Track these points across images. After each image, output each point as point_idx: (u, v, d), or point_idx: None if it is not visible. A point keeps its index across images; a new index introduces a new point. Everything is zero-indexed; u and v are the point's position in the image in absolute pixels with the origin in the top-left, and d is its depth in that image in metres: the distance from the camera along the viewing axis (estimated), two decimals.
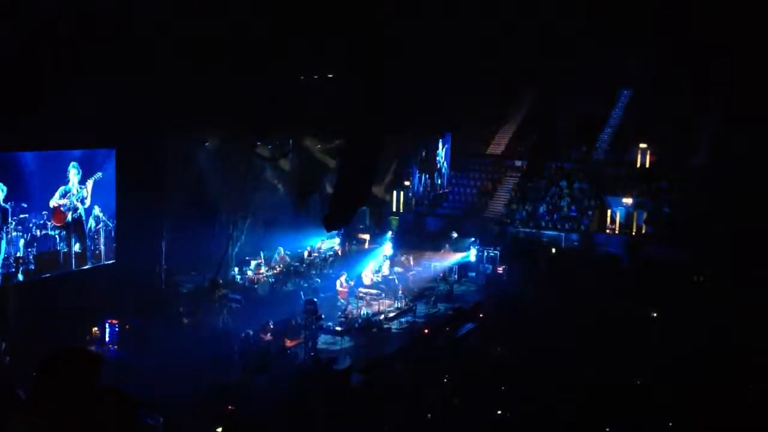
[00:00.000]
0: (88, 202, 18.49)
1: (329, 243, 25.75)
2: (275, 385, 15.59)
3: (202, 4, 16.01)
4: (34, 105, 14.89)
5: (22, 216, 16.88)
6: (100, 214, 18.91)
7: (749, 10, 27.15)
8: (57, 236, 17.90)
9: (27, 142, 16.60)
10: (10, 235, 16.70)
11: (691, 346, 17.19)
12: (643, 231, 29.16)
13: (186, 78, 17.45)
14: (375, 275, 23.73)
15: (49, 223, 17.60)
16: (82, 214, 18.47)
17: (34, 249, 17.30)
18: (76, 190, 18.19)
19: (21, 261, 16.99)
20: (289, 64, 19.62)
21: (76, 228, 18.35)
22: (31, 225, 17.19)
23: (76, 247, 18.39)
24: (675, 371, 15.66)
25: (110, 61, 15.52)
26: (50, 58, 14.79)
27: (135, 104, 16.90)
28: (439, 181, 31.73)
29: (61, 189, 17.80)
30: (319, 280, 22.78)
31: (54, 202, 17.65)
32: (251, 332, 16.86)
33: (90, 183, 18.43)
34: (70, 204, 18.07)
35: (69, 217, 18.06)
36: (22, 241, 16.99)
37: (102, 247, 19.10)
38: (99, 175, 18.60)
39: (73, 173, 18.11)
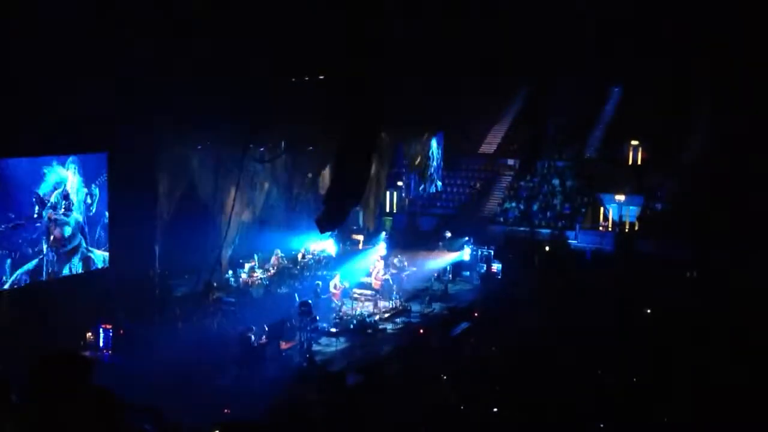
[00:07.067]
0: (93, 209, 17.52)
1: (323, 244, 25.66)
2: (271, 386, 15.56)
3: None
4: (22, 108, 14.73)
5: (11, 230, 14.94)
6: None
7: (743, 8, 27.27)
8: (54, 254, 16.32)
9: (14, 147, 15.65)
10: None
11: (688, 343, 17.20)
12: (636, 227, 29.22)
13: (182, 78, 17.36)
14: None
15: (43, 237, 16.08)
16: (85, 226, 17.17)
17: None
18: (75, 198, 16.90)
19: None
20: (282, 65, 19.54)
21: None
22: (21, 241, 15.27)
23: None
24: (670, 368, 15.66)
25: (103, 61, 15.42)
26: (41, 59, 14.67)
27: (127, 106, 16.70)
28: (433, 189, 31.34)
29: (56, 193, 16.42)
30: (320, 283, 22.78)
31: (49, 213, 16.14)
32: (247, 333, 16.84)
33: (97, 191, 17.46)
34: (70, 216, 16.63)
35: (67, 233, 16.61)
36: (9, 261, 15.01)
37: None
38: (103, 179, 17.59)
39: (71, 173, 16.77)
